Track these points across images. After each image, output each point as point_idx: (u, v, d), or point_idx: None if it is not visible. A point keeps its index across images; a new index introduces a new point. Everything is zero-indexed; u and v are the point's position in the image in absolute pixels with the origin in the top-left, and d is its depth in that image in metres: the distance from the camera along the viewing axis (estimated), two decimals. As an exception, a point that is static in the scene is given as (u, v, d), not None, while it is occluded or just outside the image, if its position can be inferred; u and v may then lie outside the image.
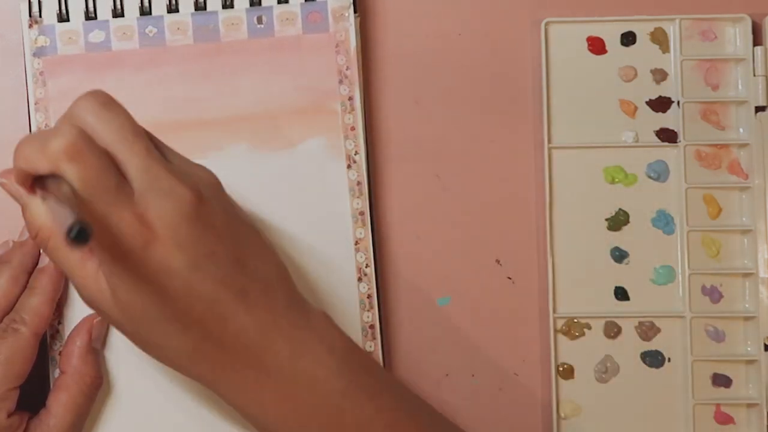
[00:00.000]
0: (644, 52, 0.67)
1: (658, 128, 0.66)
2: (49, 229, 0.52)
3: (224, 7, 0.64)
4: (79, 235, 0.41)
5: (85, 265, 0.51)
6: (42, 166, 0.49)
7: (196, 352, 0.52)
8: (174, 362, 0.54)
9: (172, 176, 0.50)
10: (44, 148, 0.48)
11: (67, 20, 0.64)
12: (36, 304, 0.60)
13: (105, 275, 0.50)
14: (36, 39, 0.64)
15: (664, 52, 0.67)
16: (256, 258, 0.53)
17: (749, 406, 0.65)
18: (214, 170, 0.63)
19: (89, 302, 0.53)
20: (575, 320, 0.65)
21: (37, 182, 0.52)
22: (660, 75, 0.67)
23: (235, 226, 0.53)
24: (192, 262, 0.49)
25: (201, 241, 0.50)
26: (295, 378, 0.52)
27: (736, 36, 0.67)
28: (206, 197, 0.51)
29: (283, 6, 0.64)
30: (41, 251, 0.62)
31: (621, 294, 0.66)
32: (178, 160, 0.53)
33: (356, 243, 0.63)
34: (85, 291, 0.52)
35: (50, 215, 0.51)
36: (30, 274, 0.62)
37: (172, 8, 0.64)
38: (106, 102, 0.51)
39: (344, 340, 0.55)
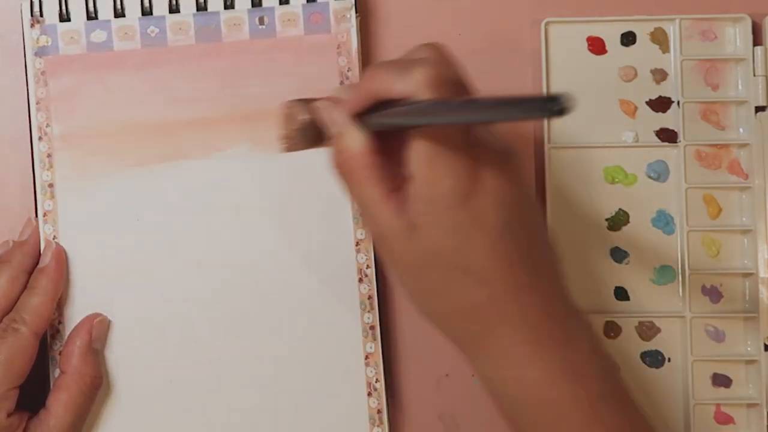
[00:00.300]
0: (644, 52, 0.67)
1: (658, 128, 0.66)
2: (360, 159, 0.51)
3: (226, 7, 0.64)
4: (560, 108, 0.40)
5: (386, 201, 0.50)
6: (400, 90, 0.49)
7: (477, 310, 0.51)
8: (444, 316, 0.53)
9: (502, 140, 0.51)
10: (407, 74, 0.49)
11: (69, 20, 0.64)
12: (36, 304, 0.60)
13: (414, 214, 0.50)
14: (37, 39, 0.64)
15: (664, 52, 0.67)
16: (543, 239, 0.53)
17: (749, 406, 0.65)
18: (215, 170, 0.64)
19: (378, 237, 0.52)
20: (575, 320, 0.65)
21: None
22: (660, 75, 0.67)
23: (536, 209, 0.53)
24: (506, 221, 0.49)
25: (516, 207, 0.50)
26: (562, 367, 0.51)
27: (736, 36, 0.67)
28: (520, 171, 0.51)
29: (285, 7, 0.64)
30: (40, 251, 0.62)
31: (621, 294, 0.66)
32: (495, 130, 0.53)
33: (357, 244, 0.63)
34: (379, 225, 0.51)
35: (364, 144, 0.51)
36: (30, 274, 0.62)
37: (174, 8, 0.64)
38: (452, 56, 0.52)
39: (601, 345, 0.54)
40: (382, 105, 0.50)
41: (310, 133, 0.54)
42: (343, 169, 0.52)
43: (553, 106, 0.39)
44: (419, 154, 0.49)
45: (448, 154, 0.48)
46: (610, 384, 0.53)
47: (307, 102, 0.55)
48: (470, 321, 0.52)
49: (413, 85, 0.48)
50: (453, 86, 0.49)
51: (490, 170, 0.49)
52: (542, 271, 0.52)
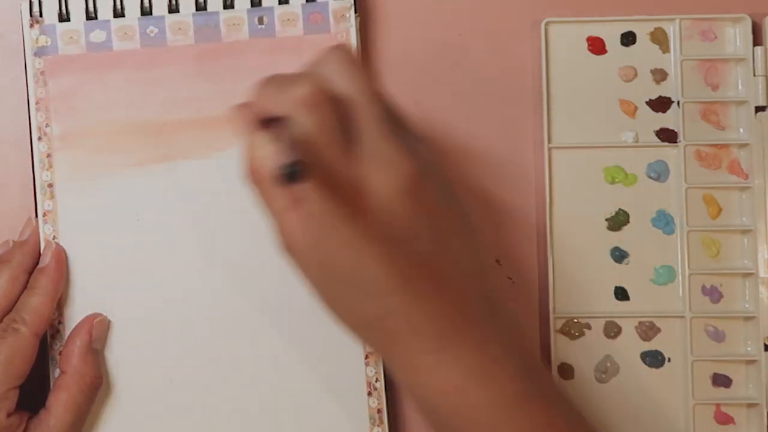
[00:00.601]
0: (644, 52, 0.67)
1: (658, 128, 0.66)
2: (268, 168, 0.51)
3: (225, 7, 0.64)
4: (293, 175, 0.41)
5: (292, 211, 0.51)
6: (277, 108, 0.49)
7: (378, 323, 0.51)
8: (355, 325, 0.53)
9: (398, 146, 0.50)
10: (285, 91, 0.48)
11: (68, 20, 0.64)
12: (36, 304, 0.60)
13: (315, 226, 0.50)
14: (37, 39, 0.64)
15: (664, 52, 0.67)
16: (462, 245, 0.52)
17: (749, 406, 0.65)
18: (215, 170, 0.63)
19: (287, 248, 0.52)
20: (575, 320, 0.65)
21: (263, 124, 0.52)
22: (660, 75, 0.67)
23: (449, 209, 0.52)
24: (397, 236, 0.49)
25: (412, 217, 0.49)
26: (473, 371, 0.51)
27: (736, 36, 0.67)
28: (427, 174, 0.51)
29: (284, 6, 0.64)
30: (40, 251, 0.62)
31: (621, 294, 0.66)
32: (408, 132, 0.52)
33: (356, 242, 0.63)
34: (287, 237, 0.51)
35: (274, 154, 0.51)
36: (30, 274, 0.62)
37: (173, 8, 0.64)
38: (353, 60, 0.51)
39: (526, 345, 0.54)
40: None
41: None
42: (252, 177, 0.52)
43: (286, 174, 0.43)
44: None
45: (335, 173, 0.48)
46: (528, 383, 0.52)
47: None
48: (373, 332, 0.52)
49: (288, 104, 0.48)
50: (330, 106, 0.49)
51: (383, 185, 0.49)
52: (451, 277, 0.51)
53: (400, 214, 0.49)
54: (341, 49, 0.51)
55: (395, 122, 0.52)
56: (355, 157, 0.49)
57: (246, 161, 0.52)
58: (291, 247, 0.52)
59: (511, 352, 0.52)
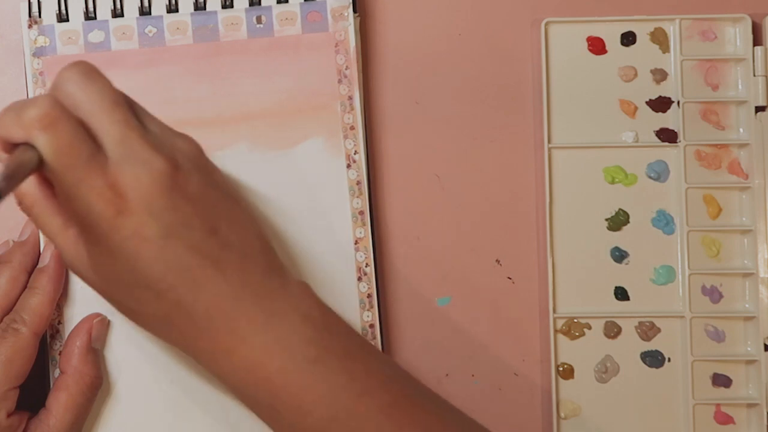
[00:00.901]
0: (644, 52, 0.67)
1: (658, 128, 0.66)
2: (31, 196, 0.53)
3: (224, 6, 0.64)
4: None
5: (66, 230, 0.52)
6: (17, 134, 0.49)
7: (169, 318, 0.52)
8: (150, 327, 0.55)
9: (148, 145, 0.50)
10: (20, 116, 0.48)
11: (67, 20, 0.64)
12: (36, 304, 0.60)
13: (83, 242, 0.51)
14: (36, 39, 0.64)
15: (664, 52, 0.67)
16: (233, 227, 0.53)
17: (749, 406, 0.65)
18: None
19: (69, 266, 0.54)
20: (575, 320, 0.65)
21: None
22: (660, 75, 0.67)
23: (213, 196, 0.53)
24: (165, 230, 0.50)
25: (175, 210, 0.50)
26: (267, 345, 0.52)
27: (736, 36, 0.67)
28: (183, 166, 0.51)
29: (283, 6, 0.64)
30: (40, 251, 0.63)
31: (621, 294, 0.66)
32: (159, 129, 0.53)
33: (356, 242, 0.63)
34: (66, 256, 0.53)
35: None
36: (30, 274, 0.62)
37: (172, 8, 0.64)
38: (88, 71, 0.51)
39: (322, 309, 0.55)
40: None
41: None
42: (23, 206, 0.53)
43: None
44: (60, 192, 0.50)
45: (85, 184, 0.49)
46: (327, 343, 0.53)
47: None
48: (171, 329, 0.53)
49: (28, 129, 0.48)
50: (67, 119, 0.49)
51: (135, 184, 0.49)
52: (229, 258, 0.52)
53: (164, 208, 0.50)
54: (76, 64, 0.51)
55: (142, 122, 0.52)
56: (108, 165, 0.49)
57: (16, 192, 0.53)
58: (73, 265, 0.53)
59: (305, 320, 0.53)
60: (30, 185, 0.52)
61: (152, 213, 0.49)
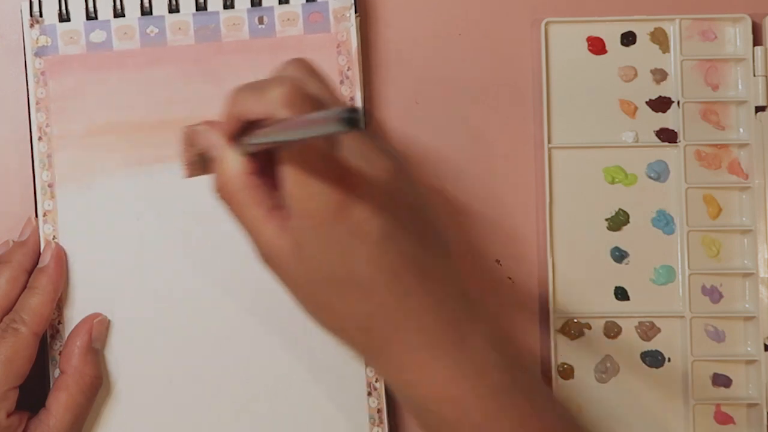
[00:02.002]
0: (644, 52, 0.67)
1: (658, 128, 0.66)
2: (239, 182, 0.51)
3: (225, 7, 0.64)
4: (352, 120, 0.41)
5: (269, 220, 0.51)
6: (258, 111, 0.49)
7: (370, 321, 0.51)
8: (341, 329, 0.53)
9: (375, 145, 0.50)
10: (262, 95, 0.48)
11: (68, 20, 0.64)
12: (36, 304, 0.60)
13: (295, 231, 0.50)
14: (37, 39, 0.64)
15: (664, 52, 0.67)
16: (437, 245, 0.53)
17: (749, 406, 0.65)
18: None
19: (266, 259, 0.52)
20: (575, 320, 0.65)
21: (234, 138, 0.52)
22: (660, 75, 0.67)
23: (424, 208, 0.53)
24: (386, 230, 0.49)
25: (397, 212, 0.50)
26: (460, 365, 0.51)
27: (736, 36, 0.67)
28: (404, 169, 0.51)
29: (284, 6, 0.64)
30: (40, 251, 0.63)
31: (621, 294, 0.66)
32: (375, 135, 0.53)
33: (357, 242, 0.63)
34: (264, 248, 0.52)
35: (240, 167, 0.51)
36: (30, 274, 0.62)
37: (173, 8, 0.64)
38: (315, 70, 0.52)
39: (507, 341, 0.54)
40: (251, 127, 0.50)
41: (208, 159, 0.54)
42: (223, 192, 0.52)
43: (346, 118, 0.40)
44: (289, 173, 0.49)
45: (318, 172, 0.48)
46: (512, 375, 0.52)
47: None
48: (363, 332, 0.52)
49: (269, 104, 0.48)
50: (309, 102, 0.48)
51: (367, 180, 0.49)
52: (430, 274, 0.51)
53: (390, 206, 0.50)
54: (300, 60, 0.52)
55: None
56: (338, 155, 0.49)
57: (216, 176, 0.52)
58: (272, 257, 0.52)
59: (494, 346, 0.52)
60: (237, 171, 0.51)
61: (377, 210, 0.49)
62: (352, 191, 0.48)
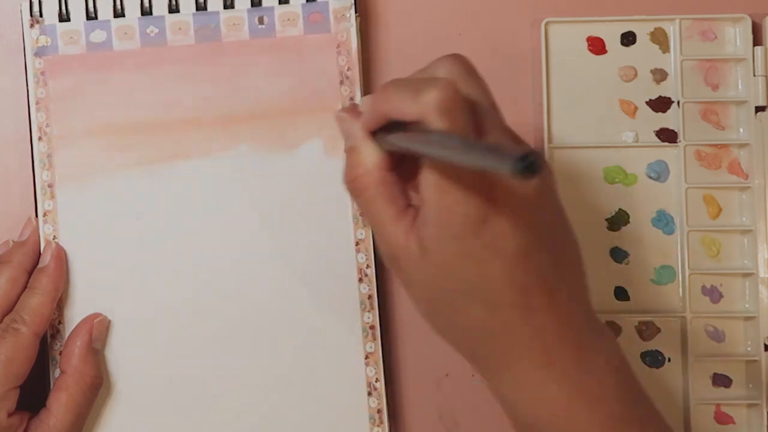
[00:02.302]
0: (644, 52, 0.67)
1: (658, 128, 0.66)
2: (372, 177, 0.51)
3: (225, 7, 0.64)
4: (531, 167, 0.39)
5: (399, 220, 0.50)
6: (410, 113, 0.47)
7: (490, 333, 0.50)
8: (458, 336, 0.52)
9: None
10: (418, 96, 0.47)
11: (68, 20, 0.64)
12: (36, 304, 0.60)
13: (426, 236, 0.49)
14: (37, 39, 0.64)
15: (664, 52, 0.67)
16: (571, 264, 0.52)
17: (749, 406, 0.65)
18: (215, 170, 0.64)
19: (390, 258, 0.51)
20: (575, 320, 0.65)
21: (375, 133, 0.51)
22: (660, 75, 0.67)
23: (561, 227, 0.52)
24: (523, 248, 0.48)
25: (536, 230, 0.49)
26: (577, 392, 0.50)
27: (736, 36, 0.67)
28: (548, 187, 0.51)
29: (285, 6, 0.64)
30: (40, 251, 0.63)
31: (621, 294, 0.66)
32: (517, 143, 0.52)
33: (357, 244, 0.63)
34: (390, 248, 0.51)
35: (377, 160, 0.50)
36: (30, 274, 0.62)
37: (173, 8, 0.64)
38: (472, 69, 0.51)
39: (627, 365, 0.53)
40: (397, 124, 0.49)
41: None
42: (355, 185, 0.51)
43: (522, 166, 0.39)
44: (431, 180, 0.48)
45: (461, 181, 0.47)
46: (631, 405, 0.52)
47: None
48: (482, 343, 0.51)
49: (422, 108, 0.47)
50: (465, 110, 0.47)
51: (507, 195, 0.48)
52: (561, 292, 0.50)
53: (530, 224, 0.49)
54: (458, 58, 0.51)
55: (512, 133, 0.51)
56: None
57: (350, 168, 0.51)
58: (396, 257, 0.51)
59: (616, 373, 0.52)
60: (373, 166, 0.51)
61: (516, 226, 0.48)
62: (493, 204, 0.47)
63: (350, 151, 0.52)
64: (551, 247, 0.50)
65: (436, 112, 0.46)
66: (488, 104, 0.50)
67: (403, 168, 0.51)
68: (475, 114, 0.48)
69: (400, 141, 0.49)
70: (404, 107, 0.48)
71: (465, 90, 0.49)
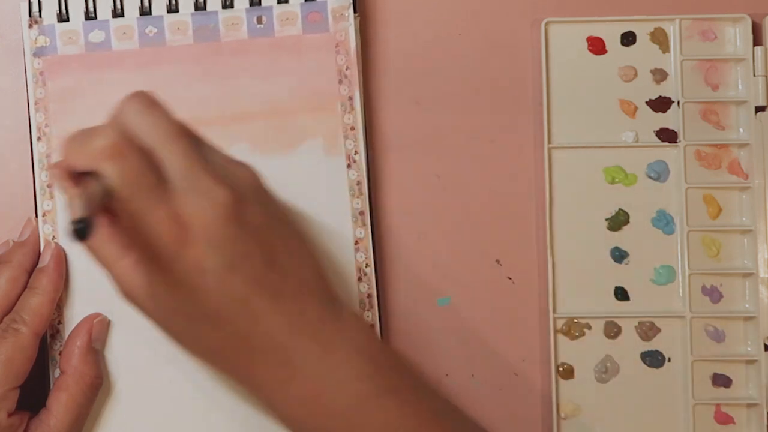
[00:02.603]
0: (644, 52, 0.67)
1: (658, 128, 0.66)
2: (98, 236, 0.52)
3: (224, 7, 0.64)
4: (81, 231, 0.42)
5: (122, 259, 0.52)
6: (82, 164, 0.49)
7: (226, 349, 0.52)
8: (204, 357, 0.55)
9: (210, 176, 0.50)
10: (86, 146, 0.49)
11: (67, 20, 0.64)
12: (36, 304, 0.60)
13: (141, 271, 0.51)
14: (36, 39, 0.64)
15: (664, 52, 0.67)
16: (291, 258, 0.53)
17: (749, 406, 0.65)
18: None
19: (125, 296, 0.53)
20: (575, 320, 0.65)
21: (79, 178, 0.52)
22: (660, 75, 0.67)
23: (272, 226, 0.52)
24: (226, 262, 0.50)
25: (236, 241, 0.50)
26: (322, 377, 0.52)
27: (736, 36, 0.67)
28: (244, 197, 0.51)
29: (283, 6, 0.64)
30: (40, 251, 0.63)
31: (621, 294, 0.66)
32: (220, 159, 0.53)
33: (356, 243, 0.63)
34: (121, 285, 0.53)
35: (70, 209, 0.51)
36: (30, 274, 0.62)
37: (172, 8, 0.64)
38: (150, 103, 0.51)
39: (375, 341, 0.55)
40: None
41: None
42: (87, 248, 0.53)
43: (74, 230, 0.42)
44: (122, 220, 0.50)
45: (153, 214, 0.49)
46: (380, 380, 0.53)
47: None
48: (226, 360, 0.53)
49: (94, 159, 0.48)
50: (136, 152, 0.49)
51: (198, 217, 0.49)
52: (284, 291, 0.52)
53: (226, 240, 0.50)
54: (137, 95, 0.52)
55: (204, 153, 0.52)
56: (171, 196, 0.49)
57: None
58: (130, 294, 0.53)
59: (359, 352, 0.53)
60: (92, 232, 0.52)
61: (214, 245, 0.49)
62: (187, 228, 0.49)
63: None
64: (263, 251, 0.51)
65: (106, 158, 0.48)
66: (168, 136, 0.51)
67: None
68: (150, 152, 0.50)
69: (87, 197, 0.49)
70: (77, 161, 0.49)
71: (140, 129, 0.50)
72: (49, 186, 0.63)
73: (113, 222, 0.52)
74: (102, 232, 0.51)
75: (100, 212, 0.51)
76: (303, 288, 0.53)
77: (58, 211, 0.63)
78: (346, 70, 0.64)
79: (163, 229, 0.49)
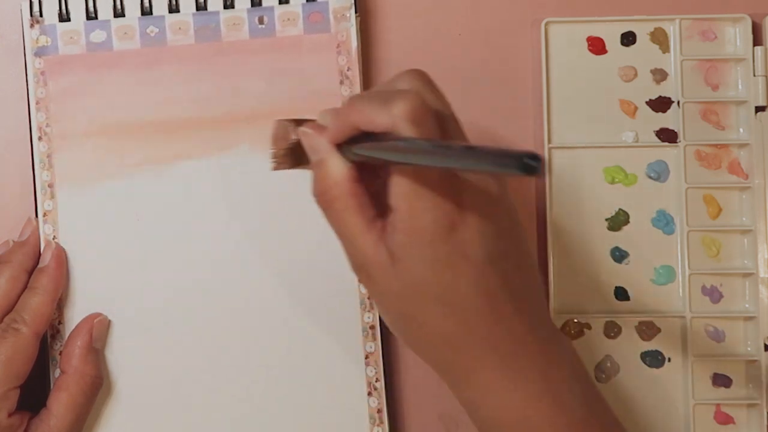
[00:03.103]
0: (644, 52, 0.67)
1: (658, 128, 0.66)
2: (341, 189, 0.51)
3: (225, 7, 0.64)
4: (532, 166, 0.40)
5: (368, 231, 0.50)
6: (381, 123, 0.48)
7: (458, 340, 0.51)
8: (425, 344, 0.53)
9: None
10: (388, 107, 0.48)
11: (68, 20, 0.64)
12: (36, 304, 0.60)
13: (396, 244, 0.50)
14: (37, 39, 0.64)
15: (664, 52, 0.67)
16: (529, 269, 0.53)
17: (749, 406, 0.65)
18: (215, 170, 0.64)
19: (360, 267, 0.52)
20: (575, 320, 0.65)
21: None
22: (660, 75, 0.67)
23: (520, 233, 0.53)
24: (490, 254, 0.49)
25: (500, 237, 0.50)
26: (540, 394, 0.51)
27: (736, 36, 0.67)
28: (506, 193, 0.51)
29: (285, 6, 0.64)
30: (40, 251, 0.63)
31: (621, 294, 0.66)
32: None
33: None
34: (359, 257, 0.51)
35: (346, 174, 0.51)
36: (30, 273, 0.62)
37: (174, 8, 0.64)
38: (433, 82, 0.52)
39: (586, 372, 0.54)
40: (364, 135, 0.50)
41: (298, 154, 0.54)
42: (324, 197, 0.52)
43: (529, 163, 0.40)
44: (400, 188, 0.49)
45: (430, 189, 0.48)
46: (590, 409, 0.53)
47: (296, 123, 0.54)
48: (449, 350, 0.52)
49: (394, 118, 0.48)
50: (434, 120, 0.49)
51: (474, 203, 0.49)
52: (524, 300, 0.51)
53: (493, 233, 0.50)
54: (418, 72, 0.52)
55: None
56: (453, 173, 0.49)
57: (318, 181, 0.52)
58: (365, 267, 0.51)
59: (575, 378, 0.53)
60: (341, 178, 0.51)
61: (483, 233, 0.49)
62: (461, 211, 0.49)
63: (318, 165, 0.52)
64: (513, 254, 0.51)
65: (407, 121, 0.48)
66: (449, 114, 0.51)
67: (369, 179, 0.52)
68: (441, 123, 0.50)
69: (371, 151, 0.50)
70: (375, 118, 0.49)
71: (429, 101, 0.50)
72: (49, 186, 0.63)
73: (362, 192, 0.51)
74: (352, 201, 0.51)
75: (355, 180, 0.51)
76: (534, 300, 0.53)
77: (59, 211, 0.63)
78: (348, 70, 0.64)
79: (442, 206, 0.48)
